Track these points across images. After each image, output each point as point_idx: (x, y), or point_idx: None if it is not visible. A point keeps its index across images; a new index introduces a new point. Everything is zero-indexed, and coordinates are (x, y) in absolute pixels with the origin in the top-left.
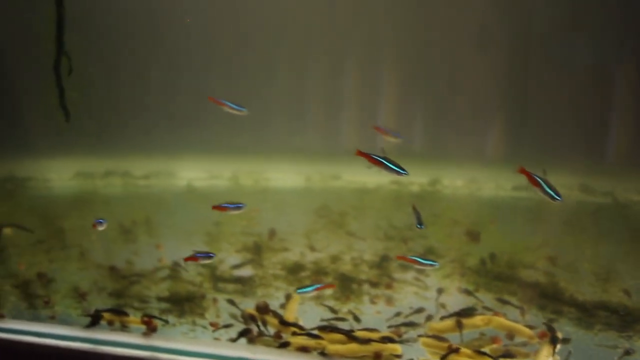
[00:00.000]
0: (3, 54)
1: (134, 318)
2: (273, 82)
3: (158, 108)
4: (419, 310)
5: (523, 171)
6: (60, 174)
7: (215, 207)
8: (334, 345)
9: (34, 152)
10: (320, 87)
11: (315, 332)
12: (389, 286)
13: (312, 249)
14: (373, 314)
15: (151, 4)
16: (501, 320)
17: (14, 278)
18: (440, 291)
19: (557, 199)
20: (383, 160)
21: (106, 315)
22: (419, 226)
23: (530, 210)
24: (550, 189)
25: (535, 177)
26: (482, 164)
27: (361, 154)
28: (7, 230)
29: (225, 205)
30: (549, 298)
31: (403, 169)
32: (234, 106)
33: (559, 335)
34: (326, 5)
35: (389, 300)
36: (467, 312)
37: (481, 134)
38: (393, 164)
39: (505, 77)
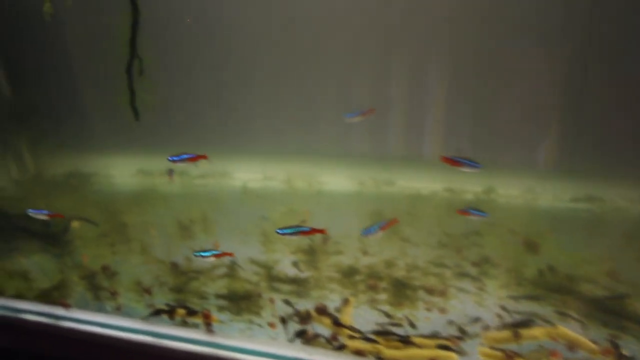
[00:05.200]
0: (75, 54)
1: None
2: (329, 86)
3: (214, 111)
4: (476, 320)
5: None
6: (121, 171)
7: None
8: (390, 350)
9: (98, 149)
10: (374, 92)
11: (371, 336)
12: (443, 294)
13: (366, 253)
14: (427, 320)
15: (222, 11)
16: (564, 330)
17: (80, 269)
18: (496, 301)
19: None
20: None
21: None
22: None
23: (589, 222)
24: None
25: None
26: (538, 174)
27: (446, 160)
28: (75, 224)
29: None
30: (612, 313)
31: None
32: None
33: (625, 352)
34: (381, 7)
35: (443, 308)
36: (525, 323)
37: (537, 143)
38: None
39: (563, 82)
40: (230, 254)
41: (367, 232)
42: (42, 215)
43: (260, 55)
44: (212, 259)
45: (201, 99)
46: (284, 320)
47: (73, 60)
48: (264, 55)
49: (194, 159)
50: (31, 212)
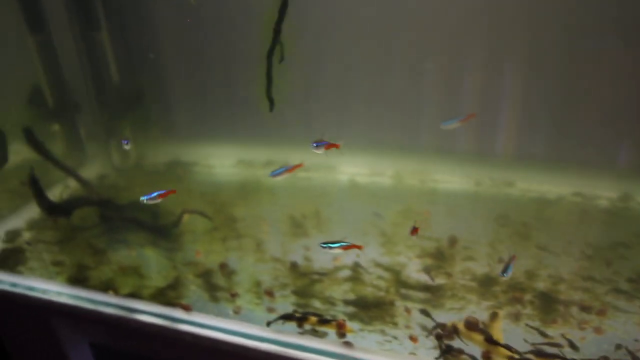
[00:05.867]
0: (188, 42)
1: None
2: (444, 78)
3: (324, 101)
4: None
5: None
6: (222, 161)
7: None
8: None
9: (198, 137)
10: (490, 87)
11: (532, 357)
12: (602, 312)
13: (501, 261)
14: (582, 340)
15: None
16: None
17: (194, 266)
18: None
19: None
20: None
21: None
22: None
23: None
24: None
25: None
26: None
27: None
28: (185, 216)
29: None
30: None
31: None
32: None
33: None
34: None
35: (599, 328)
36: None
37: None
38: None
39: None
40: (359, 247)
41: (506, 273)
42: (155, 199)
43: (376, 46)
44: (339, 251)
45: (311, 90)
46: (439, 337)
47: (185, 48)
48: (379, 46)
49: (328, 146)
50: (145, 199)
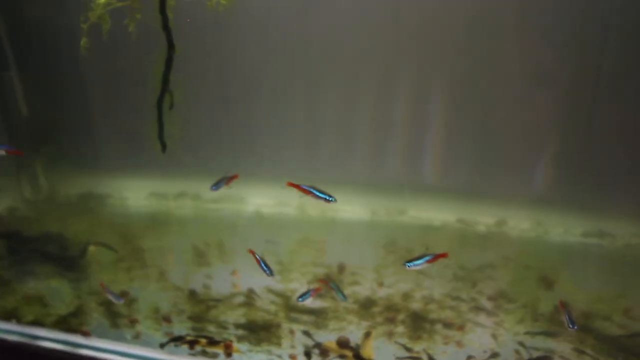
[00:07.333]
0: (96, 81)
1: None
2: (336, 111)
3: (226, 134)
4: (493, 355)
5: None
6: (135, 193)
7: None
8: None
9: (111, 170)
10: (384, 120)
11: None
12: (461, 328)
13: (382, 284)
14: (444, 354)
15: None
16: None
17: (97, 295)
18: (513, 337)
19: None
20: (311, 190)
21: (189, 339)
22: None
23: (602, 258)
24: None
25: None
26: (548, 207)
27: (291, 184)
28: (91, 248)
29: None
30: (629, 352)
31: (331, 196)
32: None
33: None
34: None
35: (460, 342)
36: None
37: (546, 176)
38: (321, 192)
39: (568, 114)
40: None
41: (411, 264)
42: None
43: (267, 79)
44: None
45: (213, 126)
46: (308, 354)
47: (93, 85)
48: (270, 79)
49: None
50: None
